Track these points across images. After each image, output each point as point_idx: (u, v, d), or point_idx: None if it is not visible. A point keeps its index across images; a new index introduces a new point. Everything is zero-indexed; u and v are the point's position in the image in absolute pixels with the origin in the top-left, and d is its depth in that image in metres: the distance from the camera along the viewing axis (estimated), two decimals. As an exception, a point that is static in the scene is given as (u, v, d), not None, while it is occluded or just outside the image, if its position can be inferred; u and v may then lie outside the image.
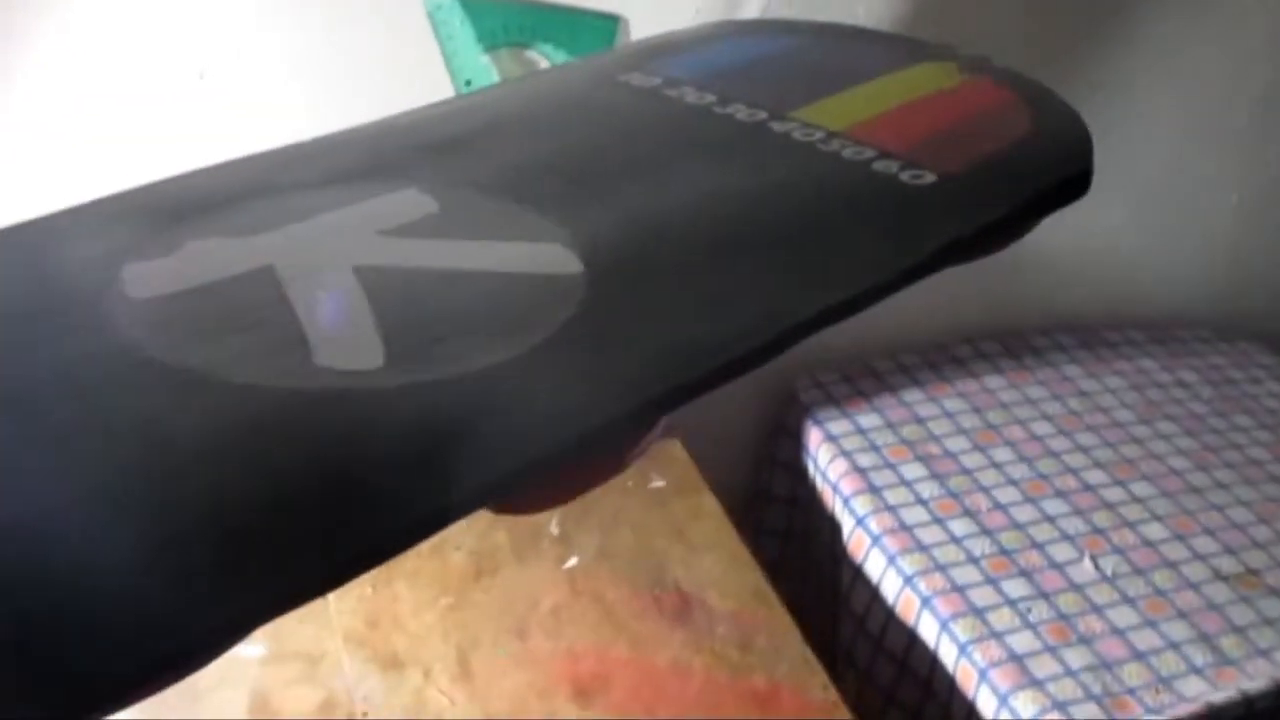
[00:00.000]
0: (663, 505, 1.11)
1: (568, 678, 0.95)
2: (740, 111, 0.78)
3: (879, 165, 0.73)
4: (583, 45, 1.09)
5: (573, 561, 1.06)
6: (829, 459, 1.19)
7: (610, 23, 1.08)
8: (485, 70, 1.10)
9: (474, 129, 0.79)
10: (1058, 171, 0.74)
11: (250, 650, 0.96)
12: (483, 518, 1.01)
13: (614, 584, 1.03)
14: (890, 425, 1.22)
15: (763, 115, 0.77)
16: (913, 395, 1.26)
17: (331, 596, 1.00)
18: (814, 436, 1.22)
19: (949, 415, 1.23)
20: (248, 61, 1.07)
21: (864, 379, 1.27)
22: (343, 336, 0.60)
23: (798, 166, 0.74)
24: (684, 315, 0.61)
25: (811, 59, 0.89)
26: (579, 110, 0.82)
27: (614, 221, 0.68)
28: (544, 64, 1.10)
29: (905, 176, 0.72)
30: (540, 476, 0.55)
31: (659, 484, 1.14)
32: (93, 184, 0.67)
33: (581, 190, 0.71)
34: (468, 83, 1.10)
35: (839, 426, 1.22)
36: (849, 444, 1.20)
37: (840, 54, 0.90)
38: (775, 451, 1.28)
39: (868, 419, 1.22)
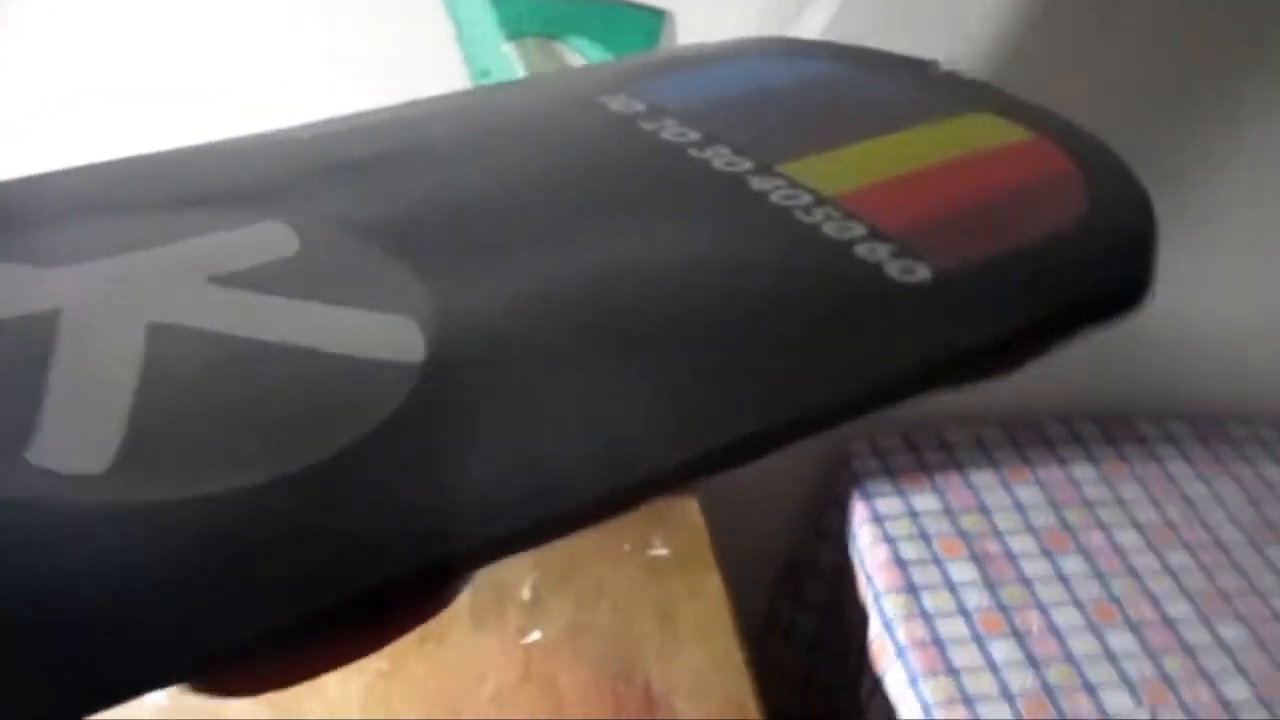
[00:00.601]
0: (657, 579, 0.97)
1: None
2: (720, 157, 0.62)
3: (863, 249, 0.55)
4: (621, 41, 0.94)
5: (534, 635, 0.93)
6: (870, 542, 1.03)
7: (653, 18, 0.93)
8: (506, 61, 0.96)
9: (390, 149, 0.65)
10: (1095, 280, 0.58)
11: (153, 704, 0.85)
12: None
13: (574, 668, 0.89)
14: (948, 511, 1.05)
15: (746, 165, 0.61)
16: (983, 477, 1.09)
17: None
18: (859, 512, 1.06)
19: (1020, 507, 1.06)
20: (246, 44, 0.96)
21: (930, 449, 1.10)
22: (79, 425, 0.46)
23: (761, 239, 0.58)
24: (529, 440, 0.47)
25: (834, 96, 0.73)
26: (527, 137, 0.67)
27: (498, 292, 0.53)
28: (576, 60, 0.95)
29: (893, 268, 0.55)
30: (264, 652, 0.40)
31: (660, 552, 0.99)
32: None
33: (480, 244, 0.57)
34: (484, 73, 0.96)
35: (889, 505, 1.05)
36: (895, 528, 1.03)
37: (873, 92, 0.73)
38: (821, 518, 1.13)
39: (924, 500, 1.06)
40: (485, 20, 0.94)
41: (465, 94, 0.73)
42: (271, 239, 0.56)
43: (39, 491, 0.41)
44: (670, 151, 0.63)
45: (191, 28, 0.93)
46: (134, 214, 0.57)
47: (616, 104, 0.67)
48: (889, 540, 1.02)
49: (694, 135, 0.64)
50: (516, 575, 0.98)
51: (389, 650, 0.79)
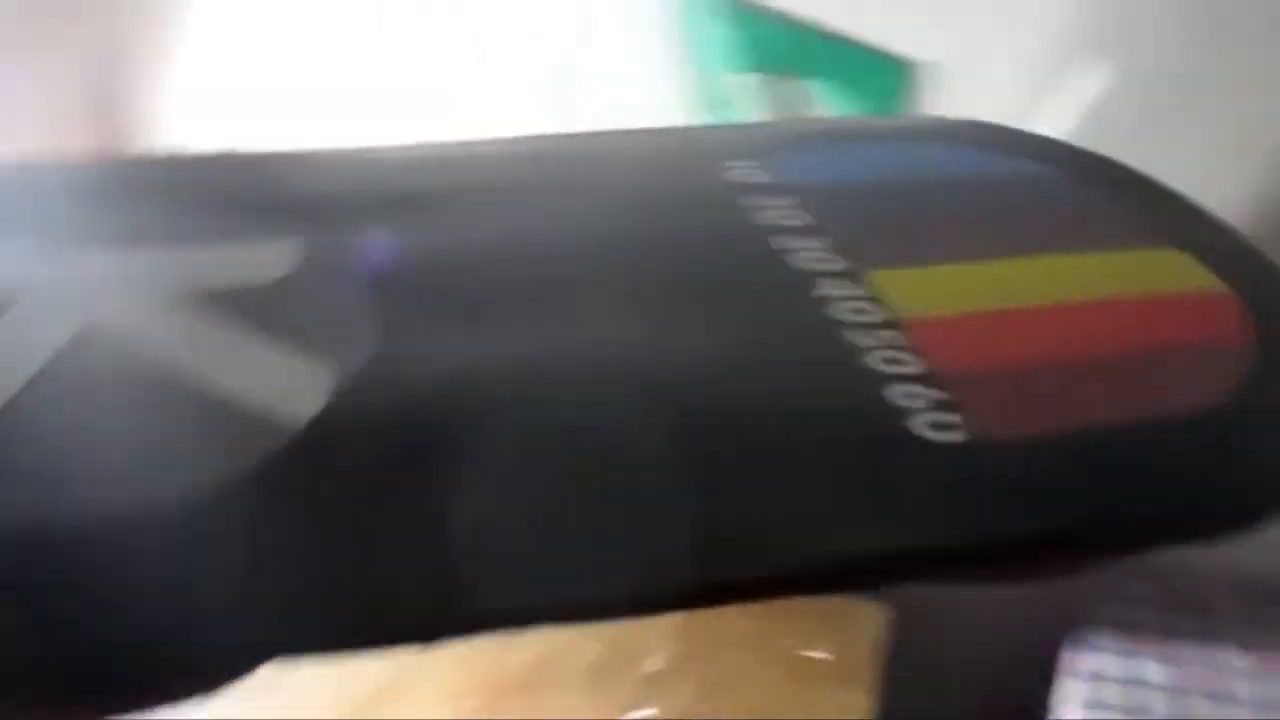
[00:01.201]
0: (803, 684, 0.87)
1: None
2: (808, 251, 0.53)
3: (899, 391, 0.45)
4: (866, 89, 0.85)
5: (645, 712, 0.85)
6: (1073, 702, 0.88)
7: (902, 69, 0.83)
8: (742, 94, 0.88)
9: (462, 182, 0.60)
10: (1190, 491, 0.45)
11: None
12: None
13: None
14: (1182, 692, 0.88)
15: (831, 265, 0.52)
16: (1240, 660, 0.91)
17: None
18: (1069, 663, 0.91)
19: (1270, 707, 0.87)
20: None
21: (1187, 610, 0.94)
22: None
23: (784, 353, 0.49)
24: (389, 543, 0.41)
25: (1003, 200, 0.61)
26: (612, 193, 0.60)
27: (466, 355, 0.47)
28: (817, 107, 0.86)
29: (924, 420, 0.44)
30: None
31: (818, 655, 0.89)
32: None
33: (478, 298, 0.51)
34: (713, 103, 0.89)
35: (1108, 664, 0.90)
36: (1108, 695, 0.88)
37: (1058, 203, 0.61)
38: (1023, 653, 0.98)
39: (1154, 670, 0.89)
40: (721, 46, 0.87)
41: (594, 135, 0.67)
42: (267, 260, 0.52)
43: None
44: (753, 235, 0.54)
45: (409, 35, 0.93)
46: (158, 207, 0.56)
47: (738, 173, 0.59)
48: (1097, 707, 0.87)
49: (796, 221, 0.55)
50: (652, 643, 0.91)
51: (487, 693, 0.75)
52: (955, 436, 0.44)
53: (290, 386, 0.44)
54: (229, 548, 0.39)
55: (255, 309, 0.49)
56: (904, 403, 0.44)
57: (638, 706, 0.85)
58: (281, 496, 0.40)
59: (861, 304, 0.50)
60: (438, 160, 0.62)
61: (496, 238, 0.55)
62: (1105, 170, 0.65)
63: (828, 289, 0.51)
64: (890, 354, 0.47)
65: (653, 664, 0.87)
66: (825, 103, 0.85)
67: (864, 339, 0.48)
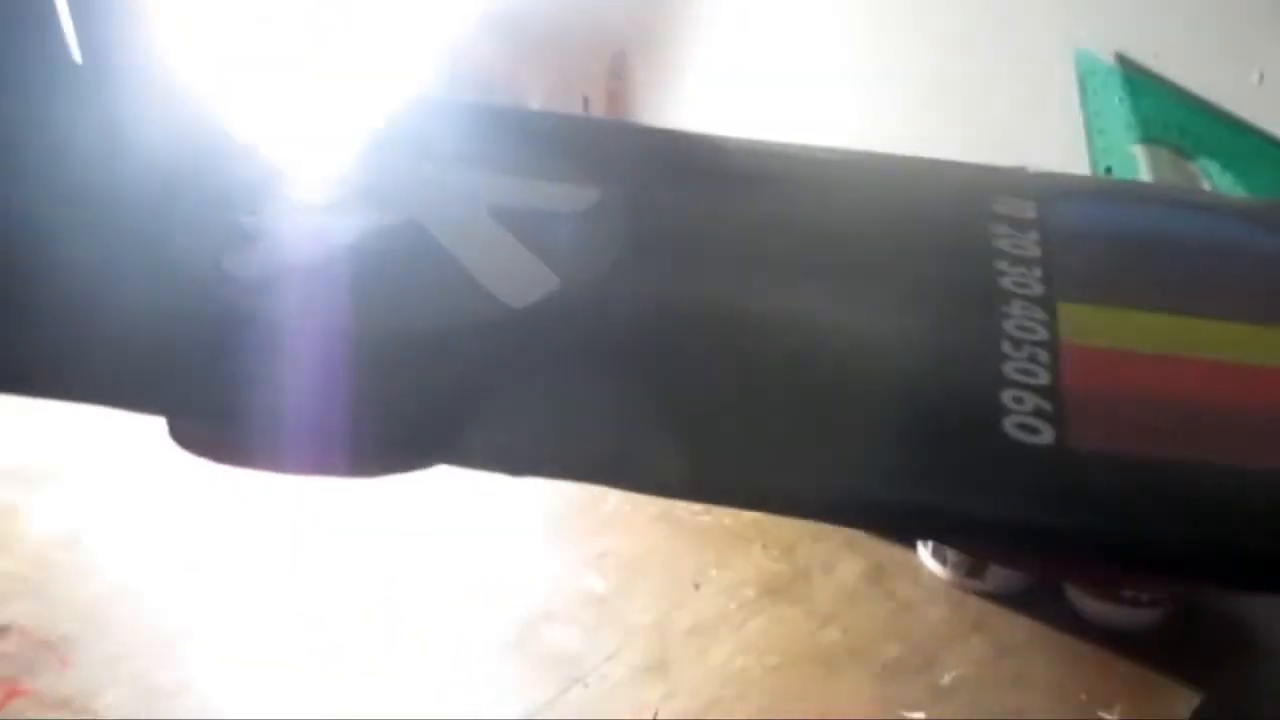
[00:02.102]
0: None
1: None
2: (1021, 277, 0.61)
3: (1011, 394, 0.54)
4: (1258, 180, 0.85)
5: (917, 715, 0.90)
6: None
7: None
8: (1132, 162, 0.91)
9: (764, 172, 0.70)
10: (1243, 533, 0.50)
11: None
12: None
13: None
14: None
15: (1031, 291, 0.60)
16: None
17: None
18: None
19: None
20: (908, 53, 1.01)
21: None
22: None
23: (944, 350, 0.57)
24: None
25: (1243, 274, 0.65)
26: (887, 198, 0.69)
27: (687, 296, 0.59)
28: (1204, 184, 0.87)
29: (1016, 420, 0.53)
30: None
31: (1108, 718, 0.90)
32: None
33: (731, 259, 0.63)
34: (1108, 170, 0.92)
35: None
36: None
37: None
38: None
39: None
40: (1119, 117, 0.90)
41: (902, 158, 0.75)
42: (568, 199, 0.67)
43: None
44: (982, 256, 0.63)
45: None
46: (509, 146, 0.72)
47: (1003, 206, 0.67)
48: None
49: (1027, 253, 0.63)
50: (951, 659, 0.96)
51: (787, 658, 0.88)
52: (1038, 440, 0.51)
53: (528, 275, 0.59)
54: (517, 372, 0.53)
55: (531, 228, 0.63)
56: (1009, 404, 0.52)
57: (916, 709, 0.91)
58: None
59: (1034, 324, 0.58)
60: (761, 151, 0.73)
61: (773, 218, 0.66)
62: None
63: (1014, 308, 0.58)
64: (1028, 365, 0.55)
65: (946, 677, 0.93)
66: (1217, 184, 0.87)
67: (1015, 350, 0.55)
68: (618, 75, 1.16)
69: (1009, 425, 0.52)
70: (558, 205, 0.67)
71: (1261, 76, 0.84)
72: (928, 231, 0.68)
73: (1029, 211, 0.68)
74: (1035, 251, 0.64)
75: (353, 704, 0.89)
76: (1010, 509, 0.51)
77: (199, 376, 0.55)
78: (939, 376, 0.56)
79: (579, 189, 0.68)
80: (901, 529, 0.56)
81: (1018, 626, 0.98)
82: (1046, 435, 0.52)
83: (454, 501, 1.07)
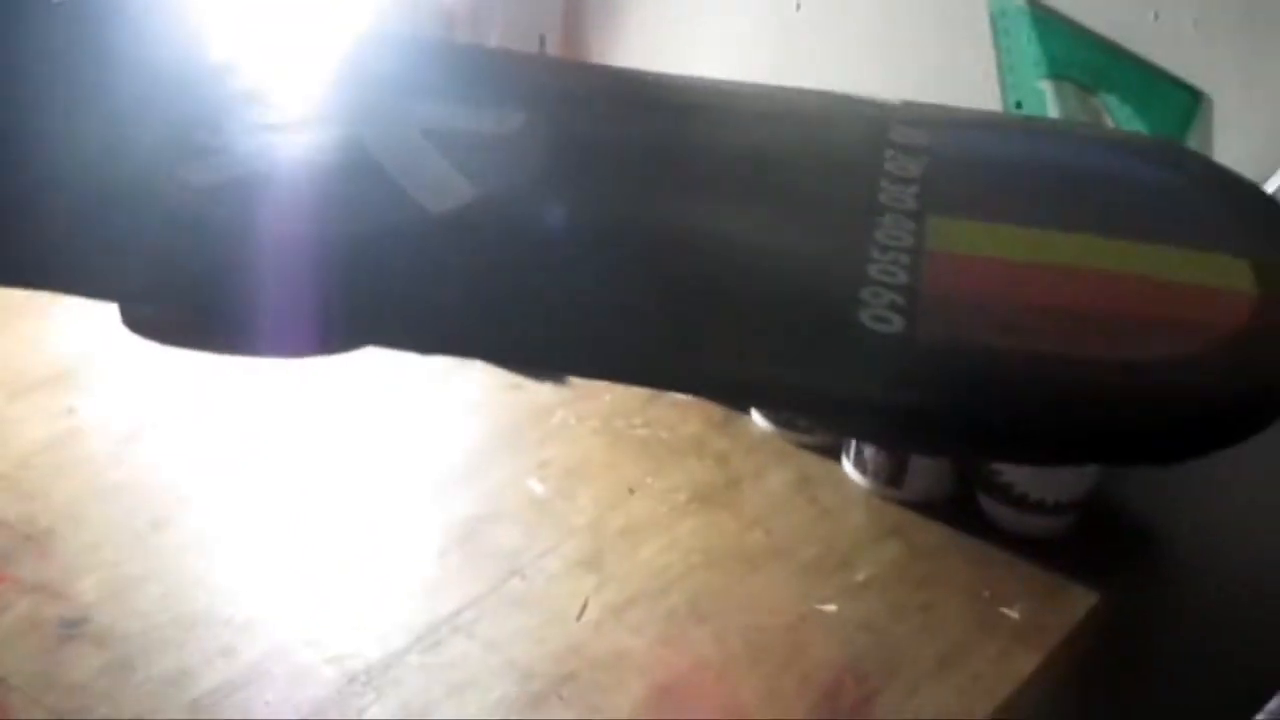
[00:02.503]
0: (980, 635, 0.96)
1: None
2: (899, 193, 0.68)
3: (870, 290, 0.61)
4: (1154, 113, 0.91)
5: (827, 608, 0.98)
6: None
7: (1190, 98, 0.88)
8: (1040, 96, 0.96)
9: (678, 103, 0.77)
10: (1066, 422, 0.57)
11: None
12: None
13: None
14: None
15: (906, 206, 0.67)
16: None
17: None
18: None
19: None
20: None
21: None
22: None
23: (815, 251, 0.64)
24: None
25: (1125, 195, 0.71)
26: (797, 125, 0.75)
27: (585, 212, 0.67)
28: (1107, 119, 0.93)
29: (870, 313, 0.60)
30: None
31: (1012, 614, 0.97)
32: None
33: (625, 176, 0.70)
34: (1018, 104, 0.97)
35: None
36: None
37: (1177, 207, 0.70)
38: None
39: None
40: (1029, 54, 0.96)
41: (819, 93, 0.82)
42: (495, 123, 0.74)
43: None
44: (868, 175, 0.70)
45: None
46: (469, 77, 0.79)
47: (897, 134, 0.73)
48: None
49: (909, 173, 0.70)
50: (864, 560, 1.03)
51: (710, 554, 0.95)
52: (887, 329, 0.57)
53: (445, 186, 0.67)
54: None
55: (457, 146, 0.70)
56: (868, 299, 0.58)
57: (830, 603, 0.98)
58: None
59: (903, 233, 0.64)
60: (681, 85, 0.79)
61: (684, 143, 0.73)
62: (1233, 188, 0.71)
63: (886, 219, 0.64)
64: (890, 268, 0.61)
65: (860, 575, 0.99)
66: (1116, 118, 0.92)
67: (881, 254, 0.61)
68: (574, 13, 1.22)
69: (864, 316, 0.59)
70: (484, 127, 0.74)
71: (1156, 15, 0.90)
72: (827, 155, 0.75)
73: (921, 139, 0.74)
74: (916, 172, 0.71)
75: (299, 593, 0.97)
76: (856, 388, 0.58)
77: (151, 268, 0.62)
78: (811, 275, 0.63)
79: (506, 114, 0.75)
80: (767, 405, 0.63)
81: (931, 531, 1.05)
82: (896, 325, 0.59)
83: (413, 412, 1.15)
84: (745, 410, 0.61)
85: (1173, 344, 0.59)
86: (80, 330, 1.12)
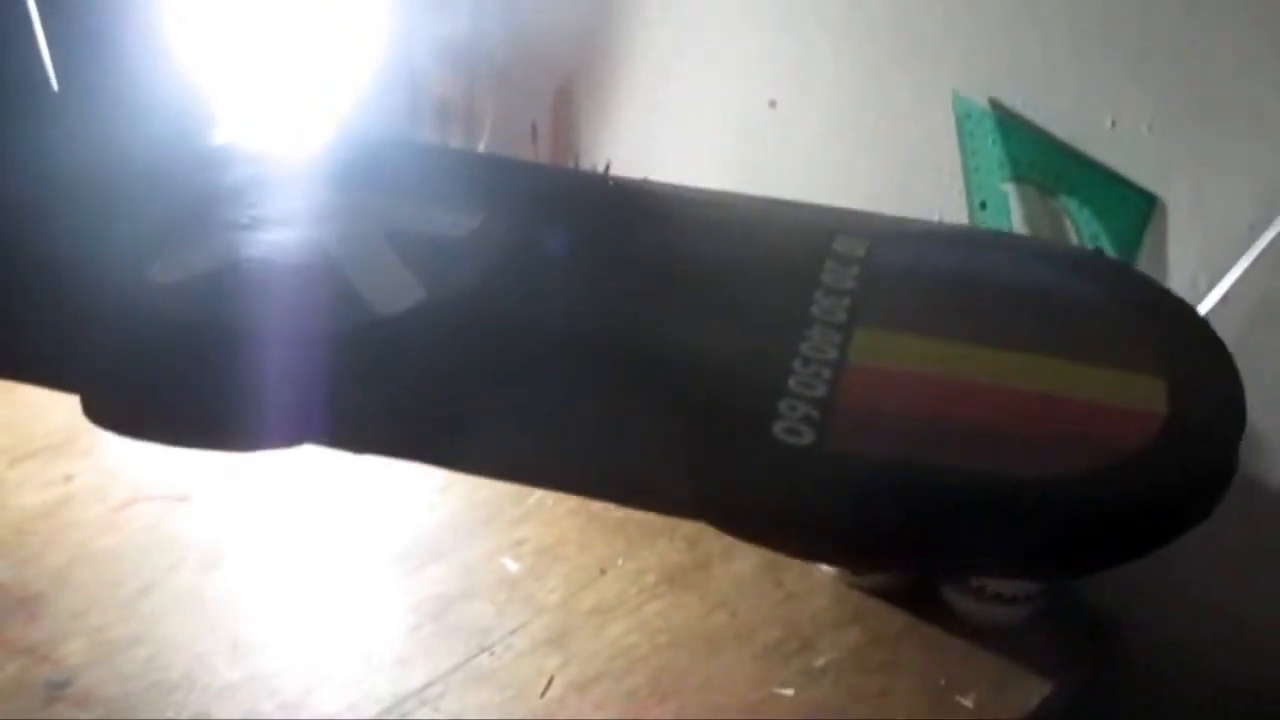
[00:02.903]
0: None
1: None
2: (831, 305, 0.71)
3: (786, 403, 0.65)
4: (1111, 214, 0.94)
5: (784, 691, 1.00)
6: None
7: (1145, 202, 0.91)
8: (1003, 199, 0.99)
9: (636, 207, 0.81)
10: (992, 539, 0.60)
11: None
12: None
13: None
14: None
15: (835, 318, 0.70)
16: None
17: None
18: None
19: None
20: (812, 97, 1.11)
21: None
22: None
23: (741, 362, 0.68)
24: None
25: (1028, 308, 0.74)
26: (740, 233, 0.79)
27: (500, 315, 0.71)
28: (1068, 223, 0.96)
29: (784, 425, 0.64)
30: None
31: (965, 703, 0.99)
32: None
33: (584, 277, 0.74)
34: (983, 205, 1.00)
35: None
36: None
37: (1102, 325, 0.73)
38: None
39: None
40: (993, 156, 0.99)
41: (770, 200, 0.85)
42: (451, 224, 0.78)
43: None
44: (804, 286, 0.74)
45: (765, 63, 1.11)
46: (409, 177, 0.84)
47: (840, 244, 0.77)
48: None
49: (844, 285, 0.73)
50: (824, 643, 1.05)
51: (671, 634, 0.99)
52: (798, 441, 0.61)
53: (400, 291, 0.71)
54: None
55: (413, 250, 0.74)
56: (784, 411, 0.61)
57: (788, 687, 1.00)
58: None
59: (828, 346, 0.67)
60: (638, 190, 0.83)
61: (634, 249, 0.77)
62: (1160, 305, 0.74)
63: (814, 331, 0.68)
64: (810, 380, 0.64)
65: (820, 660, 1.02)
66: (1077, 221, 0.95)
67: (803, 367, 0.65)
68: (564, 106, 1.26)
69: (778, 429, 0.62)
70: (444, 230, 0.78)
71: (1114, 121, 0.93)
72: (768, 266, 0.78)
73: (860, 250, 0.78)
74: (851, 284, 0.74)
75: (274, 661, 1.00)
76: (766, 500, 0.61)
77: (110, 360, 0.67)
78: (734, 387, 0.67)
79: (465, 216, 0.79)
80: (683, 515, 0.66)
81: (893, 619, 1.07)
82: (807, 438, 0.62)
83: (392, 489, 1.18)
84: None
85: (1080, 460, 0.62)
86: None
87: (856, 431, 0.62)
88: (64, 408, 0.67)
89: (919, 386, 0.65)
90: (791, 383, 0.65)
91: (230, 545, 1.14)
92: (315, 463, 1.26)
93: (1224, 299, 0.99)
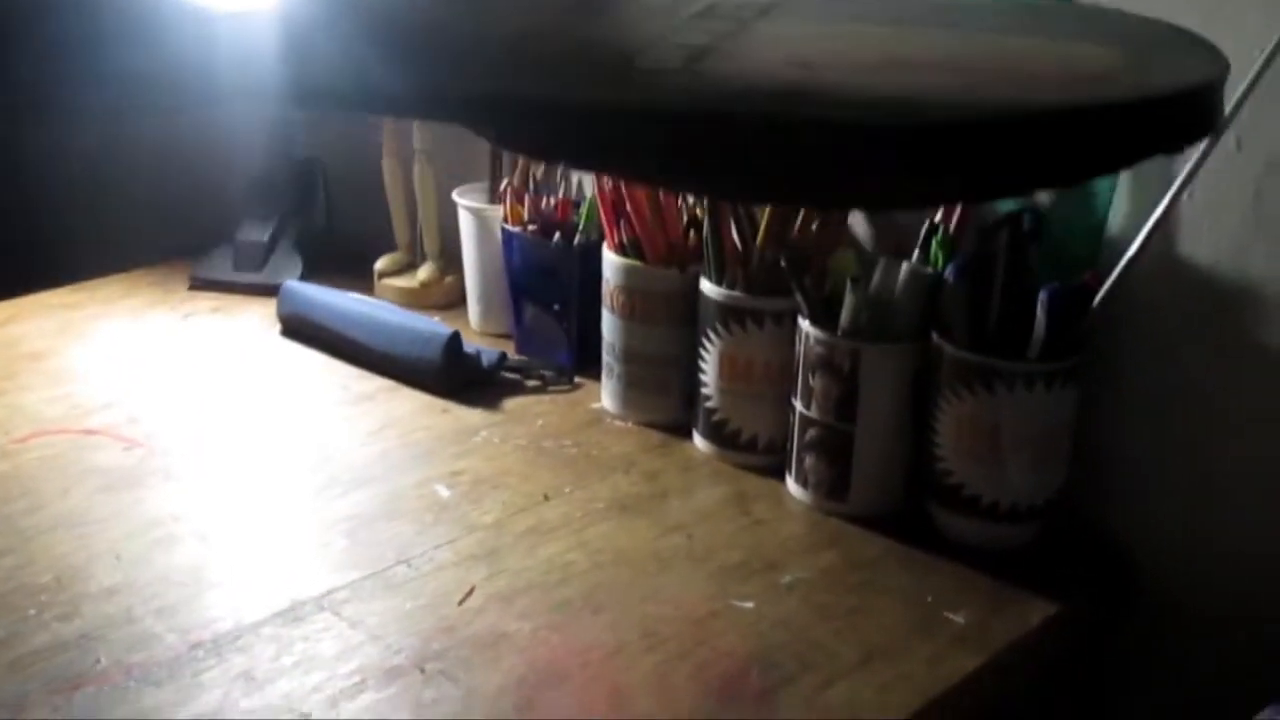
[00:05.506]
0: (919, 639, 0.83)
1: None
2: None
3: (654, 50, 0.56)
4: None
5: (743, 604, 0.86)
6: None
7: None
8: None
9: None
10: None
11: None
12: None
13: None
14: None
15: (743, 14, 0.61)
16: None
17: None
18: None
19: None
20: None
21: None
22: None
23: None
24: None
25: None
26: None
27: None
28: None
29: (651, 58, 0.56)
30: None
31: (957, 619, 0.84)
32: None
33: None
34: None
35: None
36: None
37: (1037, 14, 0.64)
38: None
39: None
40: None
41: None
42: None
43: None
44: None
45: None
46: None
47: None
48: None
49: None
50: (793, 563, 0.91)
51: (637, 558, 0.88)
52: (669, 66, 0.52)
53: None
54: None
55: None
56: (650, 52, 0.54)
57: (745, 600, 0.86)
58: None
59: (726, 22, 0.58)
60: None
61: None
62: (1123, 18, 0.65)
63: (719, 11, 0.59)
64: (694, 35, 0.55)
65: (786, 579, 0.88)
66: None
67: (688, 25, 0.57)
68: None
69: (643, 60, 0.54)
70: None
71: None
72: None
73: None
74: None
75: (161, 571, 0.88)
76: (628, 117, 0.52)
77: None
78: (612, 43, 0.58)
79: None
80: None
81: (874, 544, 0.92)
82: (675, 63, 0.53)
83: (331, 425, 1.08)
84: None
85: (1011, 90, 0.52)
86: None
87: (736, 62, 0.52)
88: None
89: (831, 45, 0.56)
90: (671, 36, 0.56)
91: (136, 475, 1.03)
92: (247, 407, 1.18)
93: (1238, 145, 0.89)
